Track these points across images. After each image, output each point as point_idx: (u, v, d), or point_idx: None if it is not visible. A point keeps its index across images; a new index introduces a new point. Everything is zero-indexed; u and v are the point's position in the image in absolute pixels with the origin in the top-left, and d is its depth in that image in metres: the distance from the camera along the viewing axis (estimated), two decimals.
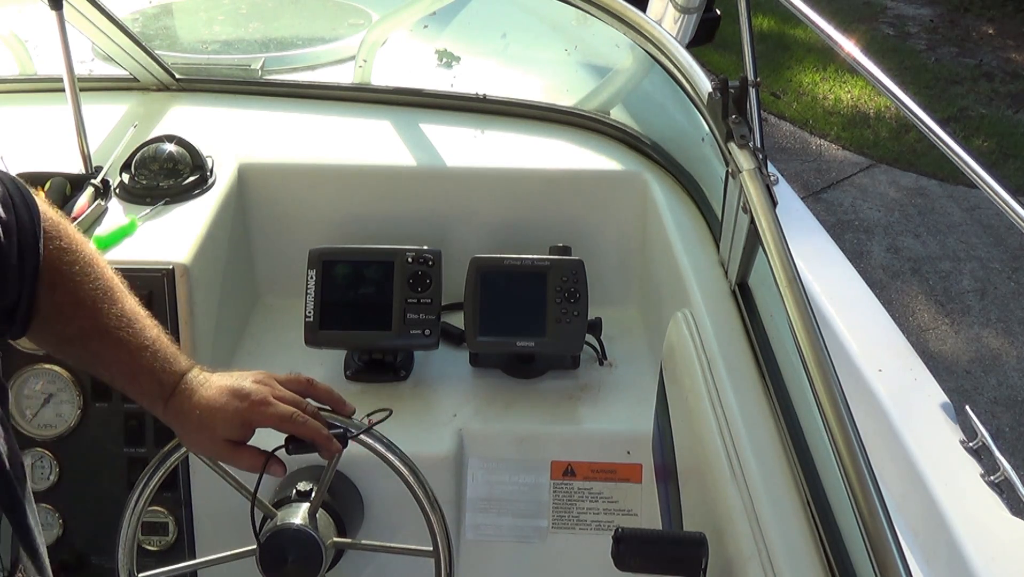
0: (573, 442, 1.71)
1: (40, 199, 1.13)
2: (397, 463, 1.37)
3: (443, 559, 1.37)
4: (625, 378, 1.80)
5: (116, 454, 1.67)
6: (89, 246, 1.19)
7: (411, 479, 1.37)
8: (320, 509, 1.44)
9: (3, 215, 1.02)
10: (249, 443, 1.23)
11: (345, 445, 1.28)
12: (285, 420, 1.20)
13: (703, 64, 1.57)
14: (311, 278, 1.74)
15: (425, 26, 2.60)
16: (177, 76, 2.20)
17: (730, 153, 1.40)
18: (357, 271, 1.75)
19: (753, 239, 1.40)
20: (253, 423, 1.20)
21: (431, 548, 1.39)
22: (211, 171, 1.87)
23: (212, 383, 1.21)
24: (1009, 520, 1.33)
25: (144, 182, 1.81)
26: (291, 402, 1.23)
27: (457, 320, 1.80)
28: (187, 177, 1.83)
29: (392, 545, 1.48)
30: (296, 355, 1.80)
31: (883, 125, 5.62)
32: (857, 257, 4.31)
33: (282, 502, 1.48)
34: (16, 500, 0.94)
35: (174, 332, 1.65)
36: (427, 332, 1.72)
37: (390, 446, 1.38)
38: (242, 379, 1.23)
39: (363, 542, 1.54)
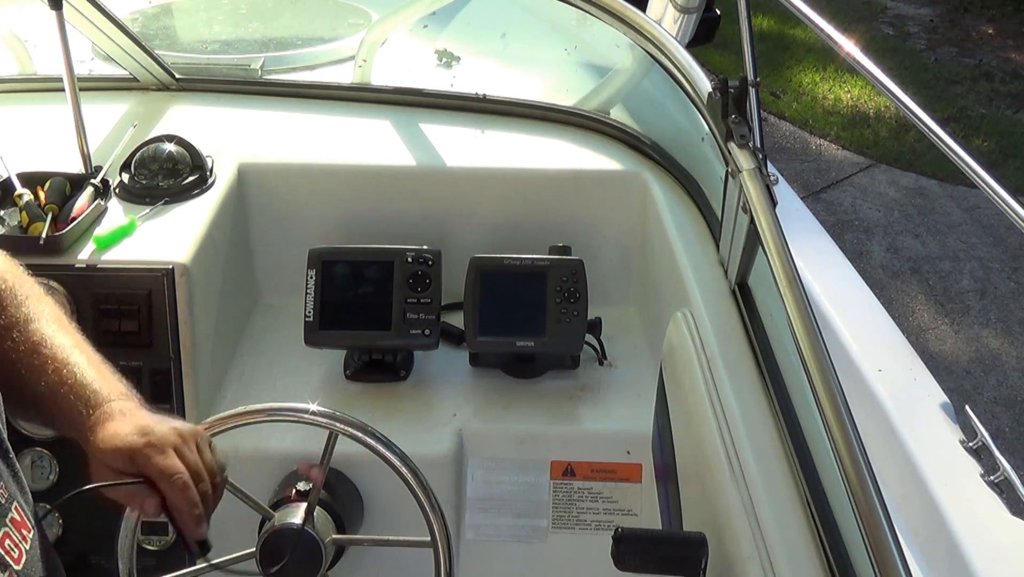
0: (573, 442, 1.71)
1: None
2: (395, 460, 1.37)
3: (442, 549, 1.37)
4: (625, 378, 1.80)
5: None
6: (13, 278, 1.14)
7: (405, 470, 1.37)
8: (319, 508, 1.44)
9: None
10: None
11: (205, 552, 1.12)
12: (164, 475, 1.05)
13: (703, 64, 1.57)
14: (311, 278, 1.73)
15: (425, 26, 2.60)
16: (177, 76, 2.20)
17: (730, 153, 1.40)
18: (357, 271, 1.75)
19: (753, 239, 1.40)
20: (137, 463, 1.05)
21: (429, 540, 1.39)
22: (211, 171, 1.87)
23: (135, 413, 1.10)
24: (1009, 520, 1.33)
25: (144, 182, 1.81)
26: (191, 467, 1.08)
27: (457, 320, 1.80)
28: (187, 177, 1.83)
29: (390, 538, 1.48)
30: (296, 355, 1.80)
31: (883, 125, 5.61)
32: (857, 257, 4.31)
33: (280, 503, 1.48)
34: None
35: (174, 332, 1.65)
36: (427, 332, 1.72)
37: (389, 445, 1.38)
38: (165, 422, 1.11)
39: (361, 537, 1.55)
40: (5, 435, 0.99)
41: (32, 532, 0.97)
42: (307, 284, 1.73)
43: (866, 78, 1.32)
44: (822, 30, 1.38)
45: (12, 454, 0.99)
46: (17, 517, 0.95)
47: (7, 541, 0.92)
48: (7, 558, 0.91)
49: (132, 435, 1.06)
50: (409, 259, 1.75)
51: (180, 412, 1.66)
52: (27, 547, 0.95)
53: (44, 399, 1.10)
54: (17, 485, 0.98)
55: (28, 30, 2.40)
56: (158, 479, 1.05)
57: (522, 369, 1.80)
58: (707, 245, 1.71)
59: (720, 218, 1.60)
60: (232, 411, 1.43)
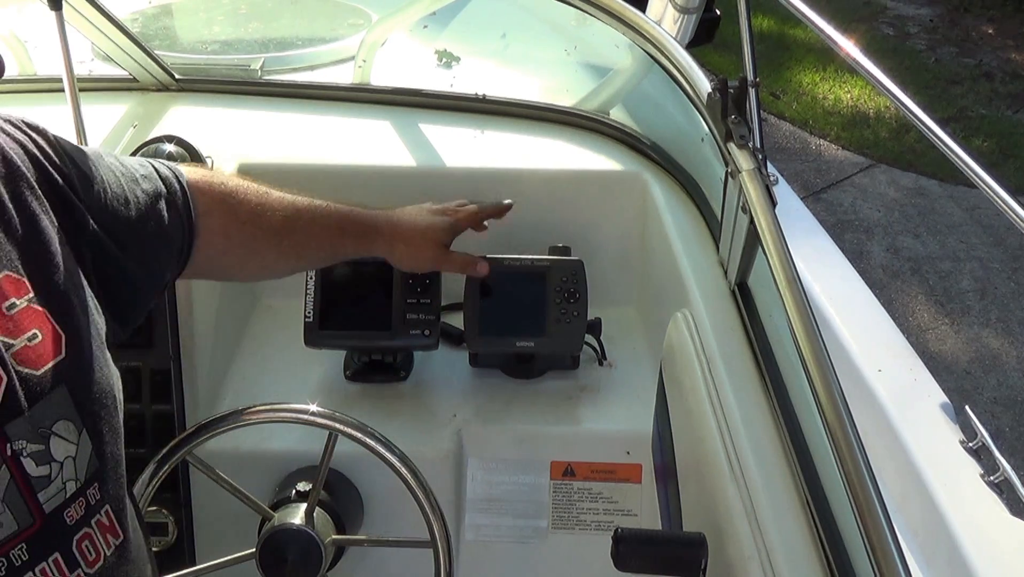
0: (573, 442, 1.71)
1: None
2: (394, 461, 1.37)
3: (442, 550, 1.38)
4: (625, 378, 1.80)
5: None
6: (223, 175, 1.40)
7: (404, 471, 1.37)
8: (318, 508, 1.44)
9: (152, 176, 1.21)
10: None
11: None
12: (473, 216, 1.60)
13: (703, 64, 1.57)
14: (311, 278, 1.73)
15: (425, 26, 2.60)
16: (177, 76, 2.20)
17: (730, 153, 1.40)
18: (357, 271, 1.75)
19: (753, 239, 1.40)
20: (457, 228, 1.56)
21: (429, 539, 1.39)
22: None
23: (410, 212, 1.54)
24: (1009, 520, 1.33)
25: None
26: (466, 209, 1.61)
27: (457, 320, 1.80)
28: None
29: (390, 538, 1.48)
30: (296, 356, 1.80)
31: (883, 125, 5.62)
32: (857, 257, 4.31)
33: (280, 503, 1.48)
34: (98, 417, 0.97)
35: (174, 332, 1.65)
36: (427, 332, 1.72)
37: (388, 445, 1.38)
38: (423, 208, 1.57)
39: (361, 537, 1.55)
40: (121, 451, 1.01)
41: (121, 538, 0.97)
42: (307, 285, 1.73)
43: (866, 78, 1.31)
44: (822, 30, 1.38)
45: (123, 467, 1.01)
46: (106, 522, 0.95)
47: (86, 541, 0.91)
48: (80, 559, 0.90)
49: (438, 217, 1.55)
50: None
51: (180, 412, 1.66)
52: (108, 552, 0.94)
53: (333, 243, 1.45)
54: (117, 492, 0.98)
55: (28, 30, 2.40)
56: (473, 219, 1.61)
57: (522, 369, 1.80)
58: (707, 245, 1.71)
59: (720, 218, 1.60)
60: (232, 411, 1.43)
